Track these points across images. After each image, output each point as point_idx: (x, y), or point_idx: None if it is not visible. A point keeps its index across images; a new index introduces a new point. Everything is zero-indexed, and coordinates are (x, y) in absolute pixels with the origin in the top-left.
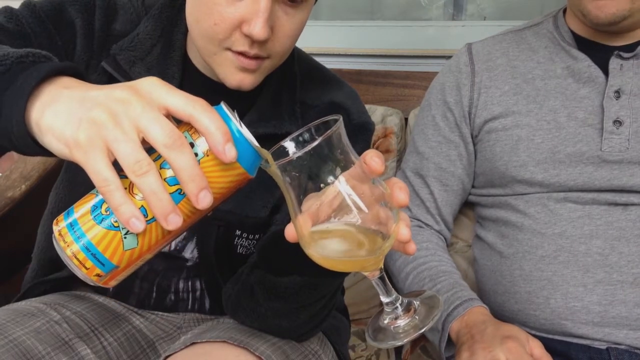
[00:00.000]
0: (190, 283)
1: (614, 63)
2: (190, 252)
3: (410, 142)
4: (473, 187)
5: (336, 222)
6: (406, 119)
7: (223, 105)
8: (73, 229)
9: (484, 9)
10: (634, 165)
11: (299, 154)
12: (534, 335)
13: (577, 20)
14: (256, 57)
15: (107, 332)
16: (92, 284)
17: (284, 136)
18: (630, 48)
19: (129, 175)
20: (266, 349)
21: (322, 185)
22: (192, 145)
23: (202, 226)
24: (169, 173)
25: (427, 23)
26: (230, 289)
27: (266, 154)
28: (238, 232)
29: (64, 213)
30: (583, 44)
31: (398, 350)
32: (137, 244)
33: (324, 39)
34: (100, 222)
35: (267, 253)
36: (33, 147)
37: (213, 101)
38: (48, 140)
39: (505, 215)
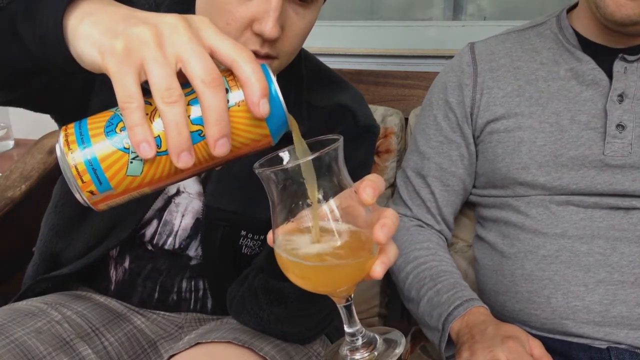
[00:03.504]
0: (193, 283)
1: (617, 66)
2: (194, 251)
3: (411, 141)
4: (474, 187)
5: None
6: (406, 119)
7: (266, 65)
8: (82, 138)
9: (484, 9)
10: (636, 170)
11: (292, 165)
12: (535, 335)
13: (584, 20)
14: (267, 57)
15: (108, 332)
16: (81, 200)
17: (290, 136)
18: (634, 51)
19: (156, 100)
20: (270, 349)
21: (308, 201)
22: (226, 91)
23: (206, 225)
24: (194, 112)
25: (427, 23)
26: (236, 290)
27: (293, 123)
28: (243, 233)
29: (75, 122)
30: (587, 46)
31: None
32: (141, 172)
33: (324, 39)
34: (111, 140)
35: (271, 257)
36: (64, 53)
37: None
38: (81, 46)
39: (506, 216)
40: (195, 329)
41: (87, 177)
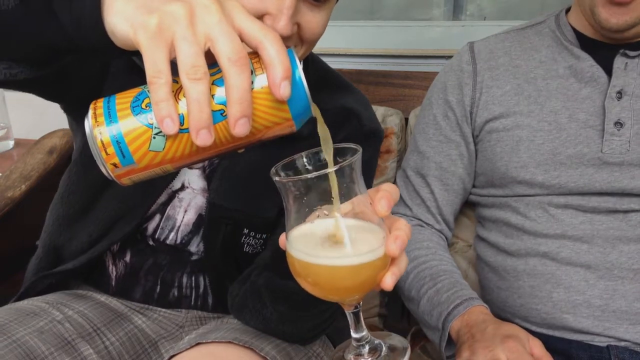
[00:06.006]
0: (194, 278)
1: (618, 62)
2: (195, 246)
3: (411, 140)
4: (474, 187)
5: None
6: (406, 119)
7: (293, 49)
8: (109, 111)
9: (484, 9)
10: (634, 167)
11: (311, 176)
12: (535, 333)
13: (582, 18)
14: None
15: (109, 332)
16: (105, 172)
17: (295, 137)
18: (636, 46)
19: (182, 76)
20: (271, 349)
21: (323, 210)
22: (251, 73)
23: (209, 222)
24: (219, 91)
25: (427, 23)
26: (237, 288)
27: (316, 109)
28: (246, 231)
29: (104, 97)
30: (586, 43)
31: None
32: (163, 148)
33: (324, 39)
34: (137, 115)
35: (278, 255)
36: (101, 31)
37: None
38: (115, 21)
39: (506, 216)
40: (195, 329)
41: (111, 149)
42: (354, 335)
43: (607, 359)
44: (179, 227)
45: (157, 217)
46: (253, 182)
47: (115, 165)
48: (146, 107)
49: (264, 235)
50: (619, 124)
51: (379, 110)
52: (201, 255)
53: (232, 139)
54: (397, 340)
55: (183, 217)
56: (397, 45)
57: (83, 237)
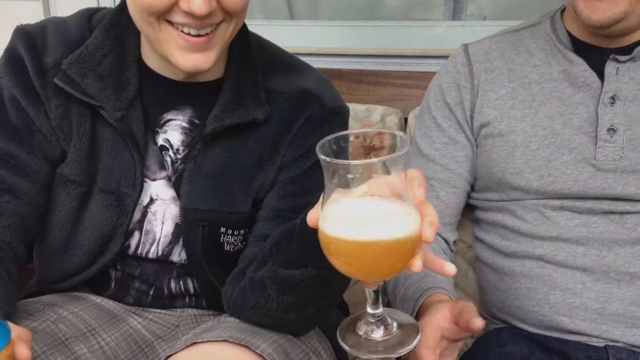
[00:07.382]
0: (182, 282)
1: (609, 67)
2: (177, 256)
3: (412, 147)
4: (472, 190)
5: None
6: (406, 119)
7: None
8: None
9: (484, 9)
10: (627, 174)
11: (359, 163)
12: (532, 333)
13: (575, 21)
14: (206, 34)
15: (104, 332)
16: None
17: (250, 124)
18: (626, 50)
19: None
20: (267, 347)
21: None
22: None
23: (187, 228)
24: None
25: (427, 23)
26: (232, 288)
27: None
28: (223, 230)
29: None
30: (579, 47)
31: None
32: None
33: (324, 39)
34: None
35: (282, 247)
36: None
37: (172, 101)
38: None
39: (502, 219)
40: (192, 328)
41: None
42: (370, 310)
43: (605, 358)
44: (159, 239)
45: (137, 233)
46: (219, 179)
47: None
48: None
49: (242, 231)
50: (611, 130)
51: (379, 110)
52: (184, 262)
53: None
54: (409, 321)
55: (161, 229)
56: (397, 45)
57: (71, 269)
